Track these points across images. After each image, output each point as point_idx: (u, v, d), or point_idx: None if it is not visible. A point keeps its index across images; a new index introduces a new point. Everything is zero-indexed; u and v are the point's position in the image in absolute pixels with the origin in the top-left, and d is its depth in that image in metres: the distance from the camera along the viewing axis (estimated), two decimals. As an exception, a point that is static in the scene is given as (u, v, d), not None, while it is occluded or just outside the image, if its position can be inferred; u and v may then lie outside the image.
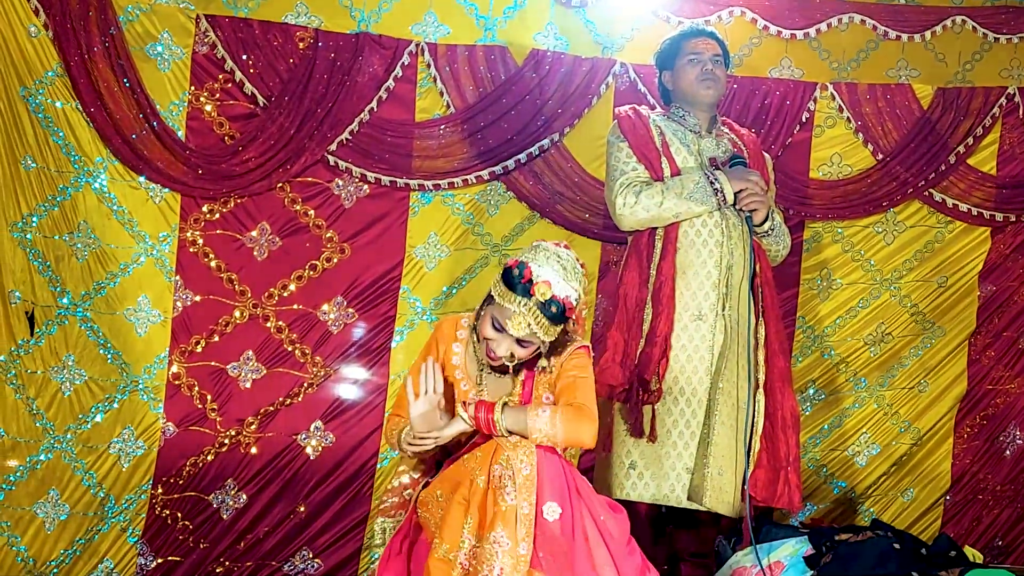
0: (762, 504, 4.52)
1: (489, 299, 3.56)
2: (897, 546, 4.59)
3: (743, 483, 4.48)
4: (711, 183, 4.51)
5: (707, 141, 4.71)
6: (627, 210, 4.53)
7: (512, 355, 3.51)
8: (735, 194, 4.51)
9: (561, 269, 3.49)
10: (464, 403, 3.43)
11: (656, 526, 4.65)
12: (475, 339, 3.64)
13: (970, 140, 5.67)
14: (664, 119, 4.72)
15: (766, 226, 4.63)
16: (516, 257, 3.57)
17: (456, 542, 3.18)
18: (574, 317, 3.54)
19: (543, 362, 3.57)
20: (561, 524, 3.14)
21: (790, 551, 4.66)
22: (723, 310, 4.51)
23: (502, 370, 3.59)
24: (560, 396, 3.58)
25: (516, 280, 3.47)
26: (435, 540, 3.24)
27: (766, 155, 4.95)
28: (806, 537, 4.74)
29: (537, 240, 3.68)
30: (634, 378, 4.44)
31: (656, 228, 4.56)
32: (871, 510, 5.68)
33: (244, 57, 5.12)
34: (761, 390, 4.52)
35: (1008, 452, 5.80)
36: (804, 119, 5.62)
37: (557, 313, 3.45)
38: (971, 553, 4.91)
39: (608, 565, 3.21)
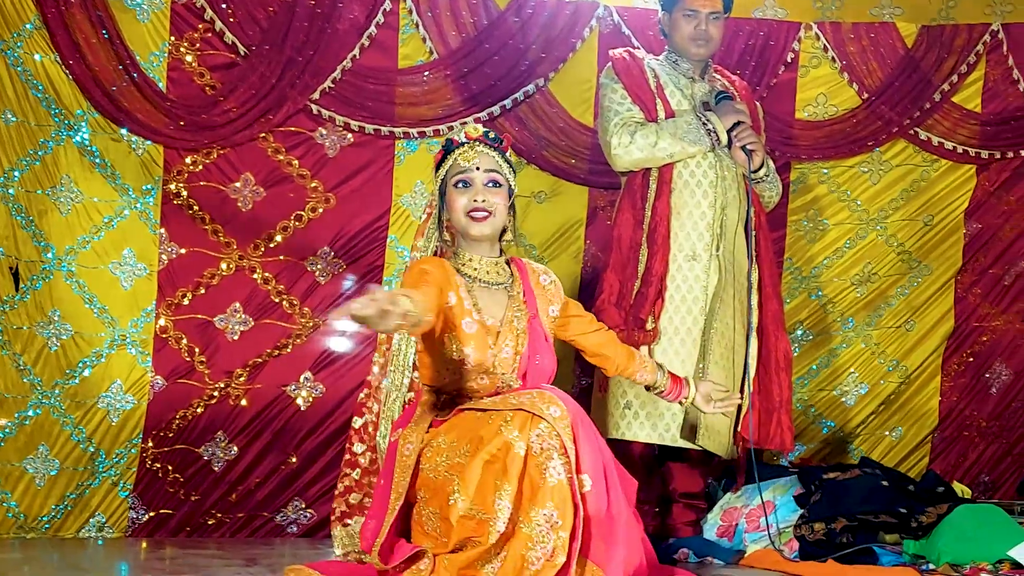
0: (755, 446, 4.55)
1: (441, 195, 3.56)
2: (885, 483, 4.63)
3: (735, 425, 4.50)
4: (703, 124, 4.52)
5: (700, 85, 4.72)
6: (622, 150, 4.53)
7: (491, 203, 3.47)
8: (729, 132, 4.51)
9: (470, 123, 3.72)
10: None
11: (649, 466, 4.67)
12: (448, 240, 3.59)
13: (954, 78, 5.66)
14: (658, 62, 4.74)
15: (762, 171, 4.64)
16: (436, 151, 3.63)
17: (488, 506, 3.05)
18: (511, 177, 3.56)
19: (508, 236, 3.56)
20: (595, 497, 3.08)
21: (780, 491, 4.69)
22: (717, 251, 4.52)
23: (489, 243, 3.54)
24: (584, 334, 3.75)
25: (449, 146, 3.54)
26: (453, 496, 3.12)
27: (757, 103, 4.95)
28: (795, 476, 4.78)
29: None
30: (630, 318, 4.45)
31: (650, 169, 4.57)
32: (860, 449, 5.71)
33: (223, 6, 5.08)
34: (755, 333, 4.55)
35: (994, 389, 5.83)
36: (789, 59, 5.61)
37: (495, 138, 3.55)
38: (959, 489, 4.96)
39: (632, 537, 3.18)
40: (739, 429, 4.53)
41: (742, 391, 4.50)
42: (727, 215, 4.55)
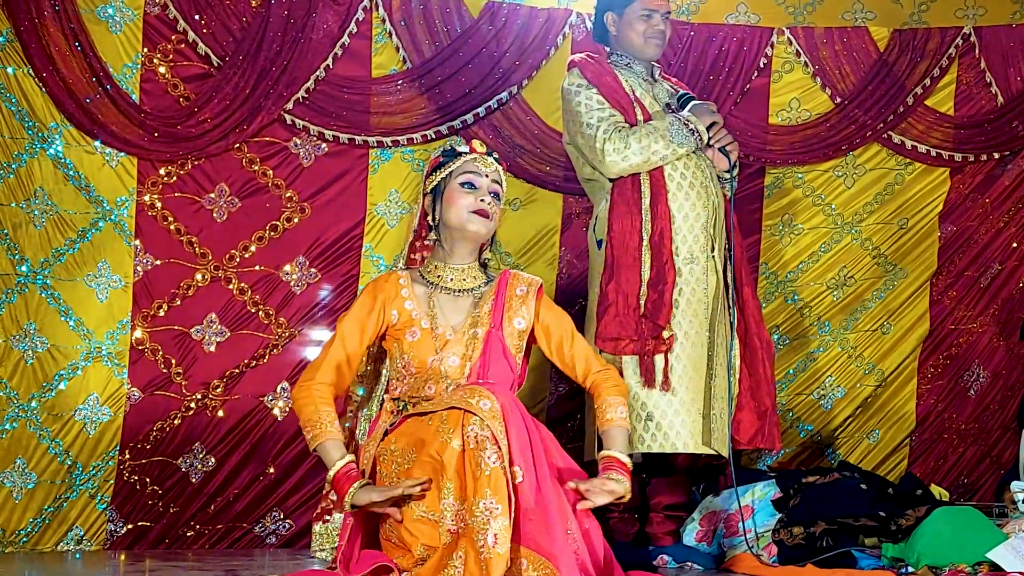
0: (747, 447, 4.55)
1: (435, 199, 3.62)
2: (864, 486, 4.63)
3: (728, 426, 4.47)
4: (685, 124, 4.48)
5: (658, 87, 4.69)
6: (618, 156, 4.42)
7: (494, 209, 3.59)
8: (707, 130, 4.51)
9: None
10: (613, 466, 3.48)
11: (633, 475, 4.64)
12: (428, 273, 3.63)
13: (927, 81, 5.68)
14: (616, 67, 4.66)
15: (736, 171, 4.63)
16: (432, 158, 3.71)
17: (435, 505, 3.13)
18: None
19: (487, 254, 3.67)
20: (527, 487, 3.11)
21: (759, 495, 4.70)
22: (712, 252, 4.50)
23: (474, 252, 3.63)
24: (558, 346, 3.65)
25: (452, 154, 3.65)
26: (405, 501, 3.20)
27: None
28: (774, 481, 4.78)
29: None
30: (643, 328, 4.37)
31: (639, 174, 4.48)
32: (838, 453, 5.73)
33: (196, 17, 5.06)
34: (735, 333, 4.53)
35: (972, 391, 5.86)
36: (762, 65, 5.62)
37: (498, 159, 3.67)
38: (937, 491, 4.97)
39: (575, 531, 3.19)
40: (730, 431, 4.48)
41: (729, 393, 4.47)
42: (717, 215, 4.53)
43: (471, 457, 3.08)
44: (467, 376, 3.48)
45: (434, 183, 3.63)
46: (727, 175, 4.59)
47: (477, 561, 3.00)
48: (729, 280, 4.55)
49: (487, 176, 3.60)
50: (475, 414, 3.10)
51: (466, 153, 3.62)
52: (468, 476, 3.08)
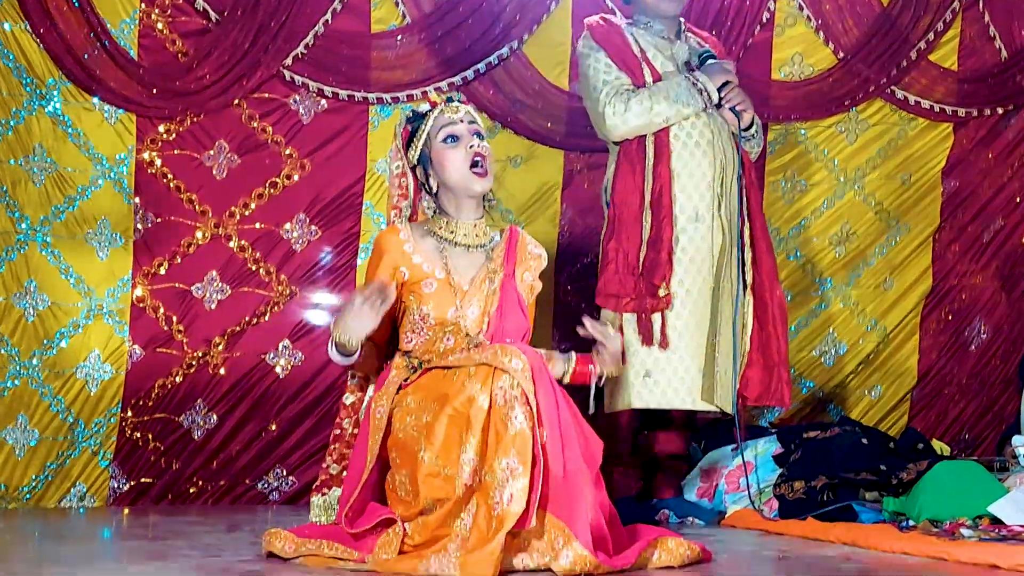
0: (755, 403, 4.56)
1: (425, 170, 3.56)
2: (865, 441, 4.63)
3: (733, 384, 4.48)
4: (694, 84, 4.49)
5: (679, 46, 4.68)
6: (618, 119, 4.47)
7: (485, 149, 3.51)
8: (719, 90, 4.49)
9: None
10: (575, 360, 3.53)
11: (635, 432, 4.66)
12: (439, 228, 3.59)
13: (931, 36, 5.65)
14: (633, 27, 4.67)
15: (752, 129, 4.62)
16: (399, 130, 3.63)
17: (452, 459, 3.07)
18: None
19: (490, 195, 3.57)
20: (552, 449, 3.09)
21: (760, 450, 4.70)
22: (719, 210, 4.49)
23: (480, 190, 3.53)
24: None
25: (417, 119, 3.58)
26: (421, 453, 3.14)
27: (732, 62, 4.91)
28: (775, 436, 4.79)
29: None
30: (641, 286, 4.41)
31: (645, 134, 4.51)
32: (839, 409, 5.73)
33: (194, -29, 5.05)
34: (749, 290, 4.54)
35: (973, 346, 5.86)
36: (764, 19, 5.59)
37: (459, 98, 3.63)
38: (938, 446, 4.96)
39: (591, 498, 3.17)
40: (738, 387, 4.50)
41: (738, 349, 4.48)
42: (726, 173, 4.52)
43: (497, 414, 3.05)
44: (486, 328, 3.46)
45: (417, 152, 3.55)
46: (744, 134, 4.58)
47: (488, 517, 2.99)
48: (745, 238, 4.54)
49: (462, 121, 3.52)
50: (506, 372, 3.07)
51: (430, 111, 3.56)
52: (492, 433, 3.06)
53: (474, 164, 3.49)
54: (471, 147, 3.49)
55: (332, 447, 3.66)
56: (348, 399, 3.69)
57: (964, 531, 3.56)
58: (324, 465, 3.65)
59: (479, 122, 3.59)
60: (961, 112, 5.71)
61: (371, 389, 3.64)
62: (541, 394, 3.07)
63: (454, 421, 3.10)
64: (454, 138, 3.50)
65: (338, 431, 3.67)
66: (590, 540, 3.02)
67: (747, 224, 4.58)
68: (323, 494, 3.63)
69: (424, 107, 3.58)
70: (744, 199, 4.56)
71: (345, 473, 3.53)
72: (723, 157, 4.52)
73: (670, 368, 4.41)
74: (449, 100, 3.59)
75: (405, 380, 3.39)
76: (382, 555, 3.12)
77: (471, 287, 3.46)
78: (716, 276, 4.46)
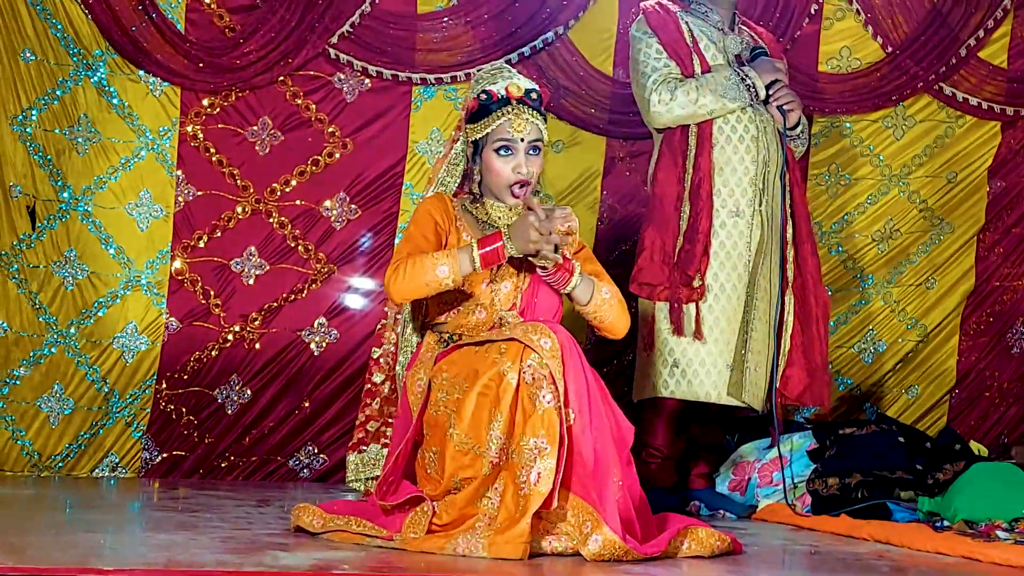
0: (794, 403, 4.55)
1: (475, 153, 3.52)
2: (902, 439, 4.61)
3: (771, 380, 4.45)
4: (742, 79, 4.47)
5: (731, 38, 4.66)
6: (663, 107, 4.47)
7: (531, 172, 3.45)
8: (767, 87, 4.47)
9: (507, 70, 3.55)
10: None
11: (679, 422, 4.63)
12: (476, 209, 3.57)
13: (981, 33, 5.58)
14: (689, 15, 4.64)
15: (798, 129, 4.60)
16: (471, 97, 3.52)
17: (480, 437, 3.09)
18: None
19: (533, 197, 3.46)
20: (580, 431, 3.08)
21: (795, 445, 4.68)
22: (760, 206, 4.48)
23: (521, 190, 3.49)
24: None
25: (489, 103, 3.45)
26: (450, 431, 3.16)
27: (782, 56, 4.88)
28: (810, 432, 4.77)
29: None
30: (675, 275, 4.42)
31: (689, 125, 4.51)
32: (876, 407, 5.68)
33: (243, -54, 5.05)
34: (791, 289, 4.52)
35: (1015, 349, 5.79)
36: (813, 12, 5.53)
37: (538, 99, 3.48)
38: (976, 447, 4.92)
39: (618, 477, 3.15)
40: (778, 386, 4.48)
41: (779, 348, 4.47)
42: (769, 169, 4.51)
43: (525, 393, 3.06)
44: (518, 303, 3.45)
45: (473, 137, 3.50)
46: (790, 133, 4.55)
47: (515, 496, 2.99)
48: (789, 237, 4.52)
49: (524, 140, 3.43)
50: (535, 351, 3.08)
51: (505, 104, 3.43)
52: (519, 412, 3.06)
53: (517, 183, 3.46)
54: (518, 170, 3.44)
55: (365, 402, 3.70)
56: (376, 352, 3.74)
57: (1000, 533, 3.54)
58: (358, 422, 3.67)
59: (543, 135, 3.48)
60: (1010, 111, 5.63)
61: (401, 349, 3.64)
62: (570, 375, 3.07)
63: (483, 398, 3.12)
64: (508, 150, 3.45)
65: (369, 385, 3.70)
66: (619, 525, 3.01)
67: (791, 223, 4.55)
68: (361, 451, 3.65)
69: (499, 86, 3.47)
70: (788, 197, 4.53)
71: (386, 431, 3.57)
72: (767, 153, 4.51)
73: (697, 360, 4.42)
74: (528, 94, 3.46)
75: (439, 353, 3.40)
76: (410, 534, 3.13)
77: (505, 263, 3.43)
78: (752, 272, 4.46)
